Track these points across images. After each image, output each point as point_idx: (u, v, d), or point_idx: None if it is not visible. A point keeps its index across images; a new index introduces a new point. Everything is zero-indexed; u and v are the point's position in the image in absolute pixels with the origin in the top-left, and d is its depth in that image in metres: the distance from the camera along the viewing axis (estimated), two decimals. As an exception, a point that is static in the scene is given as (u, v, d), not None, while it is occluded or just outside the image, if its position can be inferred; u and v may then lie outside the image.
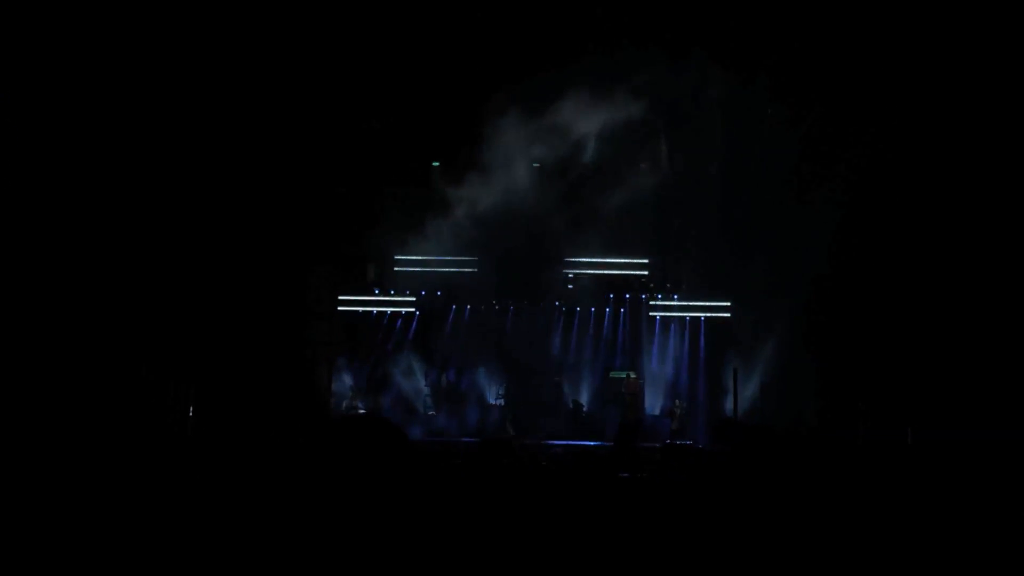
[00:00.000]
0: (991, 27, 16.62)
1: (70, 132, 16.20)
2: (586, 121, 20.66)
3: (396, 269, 23.16)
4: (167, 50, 17.05)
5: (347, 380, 22.11)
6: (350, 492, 8.63)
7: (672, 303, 22.81)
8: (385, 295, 23.21)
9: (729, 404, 20.22)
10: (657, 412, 21.64)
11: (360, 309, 23.13)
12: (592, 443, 18.98)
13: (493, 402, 21.84)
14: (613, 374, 22.27)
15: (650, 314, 22.80)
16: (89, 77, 16.27)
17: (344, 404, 21.27)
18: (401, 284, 23.17)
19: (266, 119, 18.91)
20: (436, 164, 22.94)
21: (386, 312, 23.19)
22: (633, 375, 21.97)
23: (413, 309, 23.22)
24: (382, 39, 18.99)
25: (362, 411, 21.38)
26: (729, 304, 22.21)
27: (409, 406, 21.80)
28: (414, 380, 22.33)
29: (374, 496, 8.56)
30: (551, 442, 19.84)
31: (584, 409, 21.23)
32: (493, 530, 7.62)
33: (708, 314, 22.57)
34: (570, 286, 22.85)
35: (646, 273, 22.78)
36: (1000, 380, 16.77)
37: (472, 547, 7.11)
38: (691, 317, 22.78)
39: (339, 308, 22.95)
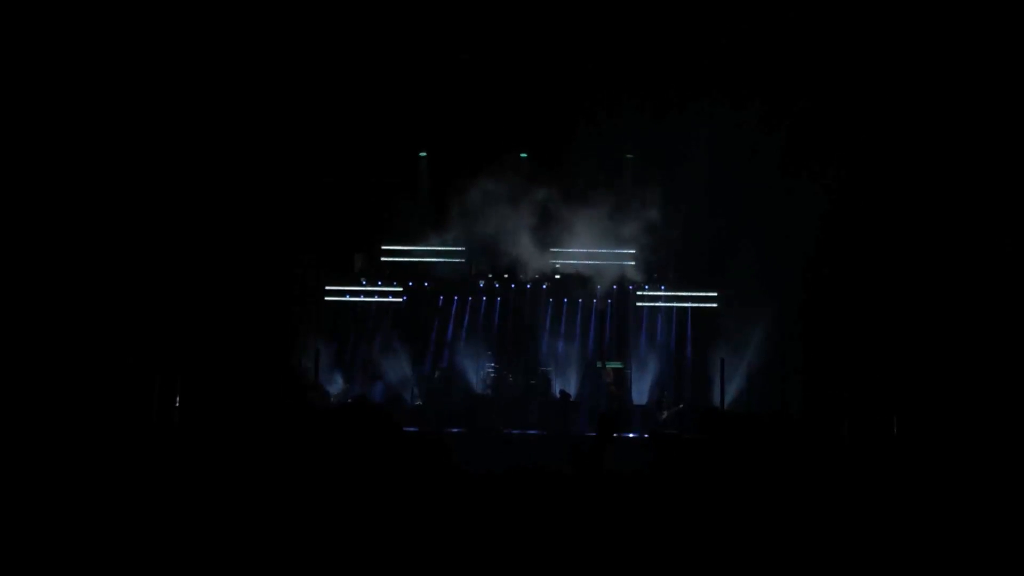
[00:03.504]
0: (984, 22, 16.68)
1: (49, 122, 16.08)
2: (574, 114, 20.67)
3: (383, 259, 23.18)
4: (151, 38, 16.93)
5: (334, 371, 22.11)
6: (344, 478, 8.65)
7: (659, 293, 22.85)
8: (372, 285, 23.20)
9: (716, 394, 20.30)
10: (645, 402, 21.71)
11: (347, 299, 23.11)
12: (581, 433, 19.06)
13: (481, 392, 21.88)
14: (600, 364, 22.31)
15: (637, 304, 22.84)
16: (72, 66, 16.15)
17: (333, 396, 21.28)
18: (388, 274, 23.21)
19: (253, 109, 18.82)
20: (423, 155, 22.93)
21: (373, 302, 23.18)
22: (619, 365, 22.01)
23: (400, 299, 23.22)
24: (370, 29, 18.92)
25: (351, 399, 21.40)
26: (716, 294, 22.27)
27: (397, 396, 21.77)
28: (401, 370, 22.31)
29: (367, 481, 8.57)
30: (537, 432, 19.97)
31: (572, 399, 21.25)
32: (480, 517, 7.64)
33: (695, 304, 22.62)
34: (557, 276, 22.87)
35: (633, 263, 22.80)
36: (990, 374, 16.85)
37: (459, 534, 7.12)
38: (678, 307, 22.82)
39: (326, 298, 22.94)
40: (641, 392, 22.19)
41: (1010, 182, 17.33)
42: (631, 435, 19.43)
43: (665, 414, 20.22)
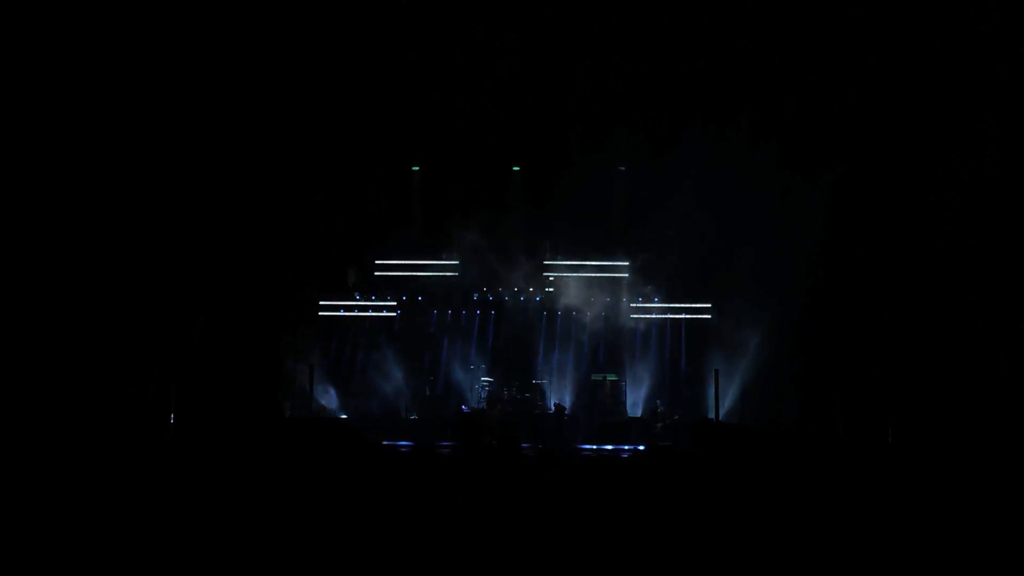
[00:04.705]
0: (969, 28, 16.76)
1: (49, 130, 16.07)
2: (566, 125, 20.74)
3: (376, 273, 23.20)
4: (145, 48, 16.95)
5: (328, 386, 22.06)
6: (313, 492, 8.63)
7: (653, 305, 22.88)
8: (366, 299, 23.21)
9: (710, 405, 20.29)
10: (640, 414, 21.67)
11: (341, 313, 23.11)
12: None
13: (475, 404, 21.83)
14: (595, 376, 22.30)
15: (631, 316, 22.84)
16: (69, 71, 16.15)
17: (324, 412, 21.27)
18: (382, 288, 23.24)
19: (248, 124, 18.84)
20: (416, 168, 22.97)
21: (367, 316, 23.17)
22: (614, 377, 21.98)
23: (394, 313, 23.22)
24: (365, 43, 18.97)
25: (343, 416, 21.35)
26: (710, 305, 22.30)
27: (391, 410, 21.72)
28: (396, 384, 22.26)
29: (353, 494, 8.55)
30: (531, 445, 19.90)
31: (567, 411, 21.22)
32: (465, 529, 7.62)
33: (689, 316, 22.64)
34: (551, 289, 22.89)
35: (626, 275, 22.84)
36: (985, 381, 16.87)
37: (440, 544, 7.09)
38: (672, 319, 22.84)
39: (320, 313, 22.93)
40: (636, 404, 22.16)
41: (1002, 191, 17.39)
42: (626, 447, 19.38)
43: (660, 425, 20.19)
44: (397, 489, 9.21)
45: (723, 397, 20.22)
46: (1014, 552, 7.12)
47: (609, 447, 19.17)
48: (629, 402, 22.26)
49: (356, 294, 23.24)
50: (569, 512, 8.68)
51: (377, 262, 23.14)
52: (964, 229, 17.56)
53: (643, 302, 22.92)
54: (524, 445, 19.63)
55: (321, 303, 22.96)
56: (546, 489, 10.49)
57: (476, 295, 23.34)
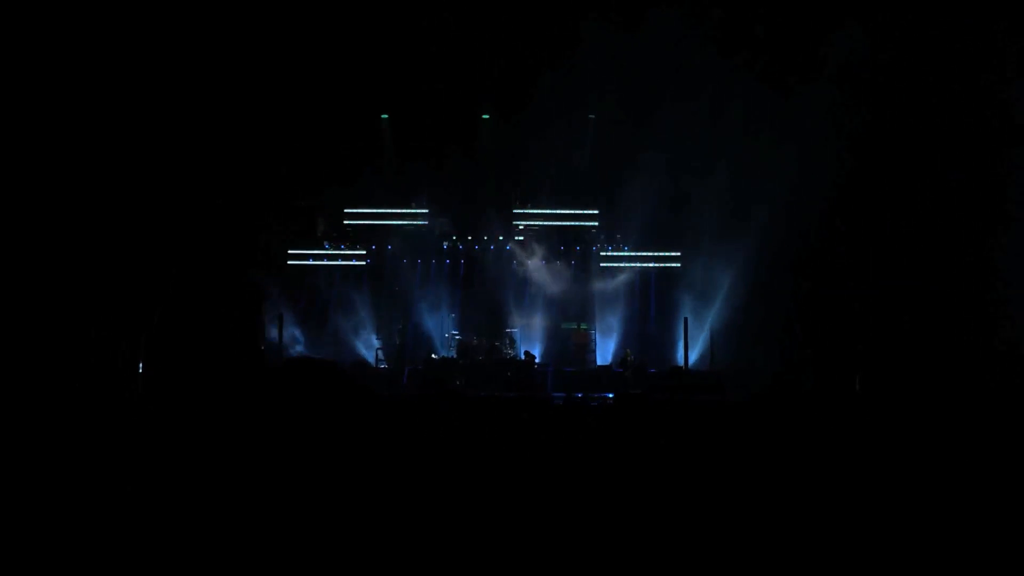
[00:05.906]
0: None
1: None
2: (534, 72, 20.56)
3: (346, 222, 23.05)
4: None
5: (297, 335, 22.01)
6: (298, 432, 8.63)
7: (622, 254, 22.91)
8: (335, 248, 23.06)
9: (680, 353, 20.47)
10: (609, 362, 21.82)
11: (310, 263, 22.94)
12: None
13: (445, 354, 21.89)
14: (565, 325, 22.38)
15: (601, 265, 22.88)
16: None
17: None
18: (351, 237, 23.11)
19: (216, 72, 18.55)
20: (385, 116, 22.74)
21: (337, 265, 23.01)
22: (584, 326, 22.06)
23: (364, 262, 23.09)
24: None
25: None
26: (679, 254, 22.35)
27: (360, 360, 21.73)
28: (365, 334, 22.26)
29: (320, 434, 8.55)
30: (502, 393, 20.00)
31: (537, 360, 21.34)
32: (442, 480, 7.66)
33: (658, 264, 22.68)
34: (520, 238, 22.87)
35: (596, 224, 22.85)
36: (951, 331, 17.09)
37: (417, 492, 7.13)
38: (641, 267, 22.88)
39: (289, 262, 22.75)
40: (606, 352, 22.30)
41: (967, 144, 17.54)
42: (594, 395, 19.51)
43: (628, 372, 20.34)
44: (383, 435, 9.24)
45: (693, 344, 20.40)
46: (977, 493, 7.27)
47: (579, 395, 19.27)
48: (599, 350, 22.42)
49: (325, 243, 23.09)
50: (546, 458, 8.75)
51: (347, 210, 22.96)
52: (935, 172, 17.70)
53: (613, 250, 22.95)
54: (496, 394, 19.77)
55: (290, 252, 22.76)
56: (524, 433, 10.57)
57: (446, 244, 23.28)
